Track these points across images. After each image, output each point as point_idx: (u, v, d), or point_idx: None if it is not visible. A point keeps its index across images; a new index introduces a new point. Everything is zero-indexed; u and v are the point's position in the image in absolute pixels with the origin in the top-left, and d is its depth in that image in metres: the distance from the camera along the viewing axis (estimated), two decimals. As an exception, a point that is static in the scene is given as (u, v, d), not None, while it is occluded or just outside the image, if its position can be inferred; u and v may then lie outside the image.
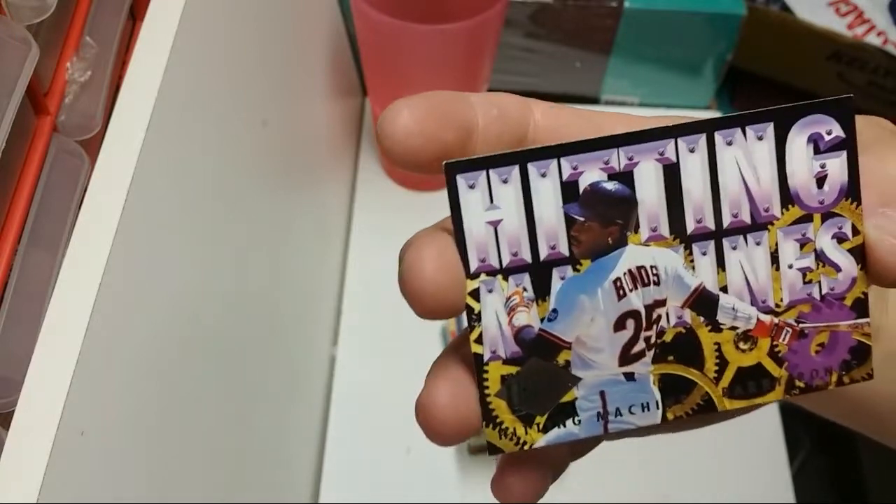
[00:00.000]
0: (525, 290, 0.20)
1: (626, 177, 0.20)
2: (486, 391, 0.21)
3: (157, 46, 0.36)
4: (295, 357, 0.58)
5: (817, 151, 0.21)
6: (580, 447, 0.25)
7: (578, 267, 0.21)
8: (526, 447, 0.21)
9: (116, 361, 0.31)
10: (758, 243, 0.21)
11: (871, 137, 0.24)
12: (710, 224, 0.21)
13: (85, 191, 0.32)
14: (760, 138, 0.21)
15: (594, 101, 0.78)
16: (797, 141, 0.21)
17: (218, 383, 0.43)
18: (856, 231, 0.22)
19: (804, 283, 0.22)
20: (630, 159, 0.20)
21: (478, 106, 0.21)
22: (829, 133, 0.21)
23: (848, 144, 0.21)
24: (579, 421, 0.21)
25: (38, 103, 0.33)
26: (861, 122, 0.23)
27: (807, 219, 0.22)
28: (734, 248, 0.21)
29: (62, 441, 0.27)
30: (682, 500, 0.59)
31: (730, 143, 0.21)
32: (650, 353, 0.21)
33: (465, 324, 0.21)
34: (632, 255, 0.21)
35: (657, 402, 0.22)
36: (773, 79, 0.78)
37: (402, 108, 0.20)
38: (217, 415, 0.43)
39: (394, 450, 0.61)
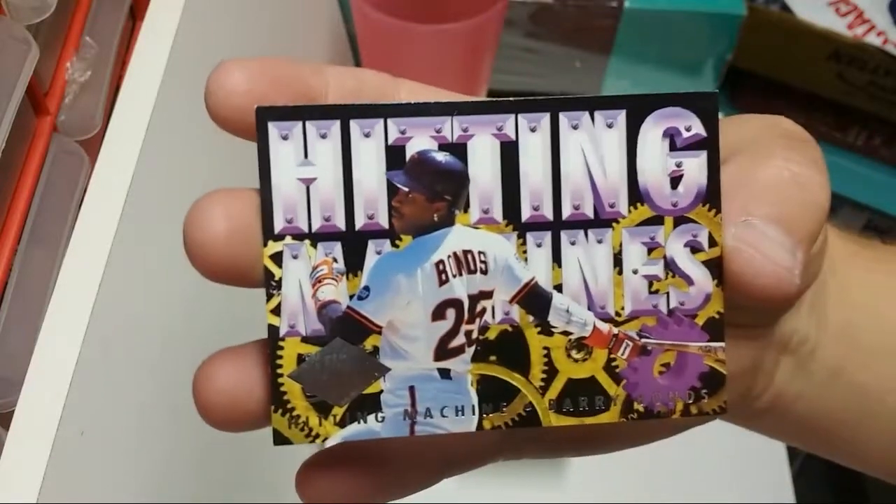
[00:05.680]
0: (335, 260, 0.18)
1: (458, 149, 0.18)
2: (279, 370, 0.18)
3: (157, 46, 0.36)
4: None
5: (673, 148, 0.19)
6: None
7: (398, 242, 0.18)
8: (318, 440, 0.19)
9: (116, 361, 0.31)
10: (600, 241, 0.19)
11: (750, 137, 0.21)
12: (549, 213, 0.19)
13: (85, 191, 0.32)
14: (610, 126, 0.19)
15: (594, 101, 0.78)
16: (651, 134, 0.19)
17: (218, 383, 0.43)
18: (713, 242, 0.19)
19: (650, 292, 0.19)
20: (465, 130, 0.18)
21: (330, 76, 0.19)
22: (688, 129, 0.19)
23: (709, 144, 0.19)
24: (383, 418, 0.19)
25: (38, 103, 0.33)
26: (751, 121, 0.21)
27: (657, 221, 0.19)
28: (573, 244, 0.19)
29: (62, 441, 0.27)
30: (682, 500, 0.59)
31: (575, 127, 0.19)
32: (470, 350, 0.19)
33: None
34: (458, 237, 0.19)
35: (473, 407, 0.19)
36: (773, 79, 0.78)
37: (233, 66, 0.18)
38: (217, 415, 0.43)
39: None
